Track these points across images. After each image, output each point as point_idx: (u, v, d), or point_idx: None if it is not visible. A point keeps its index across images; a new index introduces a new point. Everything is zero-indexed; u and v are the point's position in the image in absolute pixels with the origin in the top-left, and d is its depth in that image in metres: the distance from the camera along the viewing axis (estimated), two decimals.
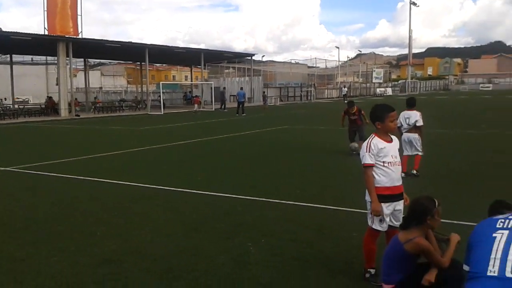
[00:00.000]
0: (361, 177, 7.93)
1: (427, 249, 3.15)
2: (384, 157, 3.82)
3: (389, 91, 74.62)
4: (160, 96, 37.46)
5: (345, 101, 46.74)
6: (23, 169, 10.21)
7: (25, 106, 34.50)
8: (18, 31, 29.05)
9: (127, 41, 36.22)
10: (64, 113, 30.65)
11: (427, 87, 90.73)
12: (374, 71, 79.85)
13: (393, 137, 4.02)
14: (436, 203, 3.28)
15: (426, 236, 3.26)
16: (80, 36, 33.33)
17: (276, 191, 7.51)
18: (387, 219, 3.85)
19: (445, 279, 3.16)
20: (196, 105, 34.39)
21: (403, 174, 8.30)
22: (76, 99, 34.38)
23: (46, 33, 31.04)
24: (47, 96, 37.49)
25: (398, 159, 3.94)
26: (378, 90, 73.68)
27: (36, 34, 30.39)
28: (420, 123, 8.37)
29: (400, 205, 3.91)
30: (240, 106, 30.64)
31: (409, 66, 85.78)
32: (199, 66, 49.96)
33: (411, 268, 3.30)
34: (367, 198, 3.93)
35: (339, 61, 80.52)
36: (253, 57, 52.65)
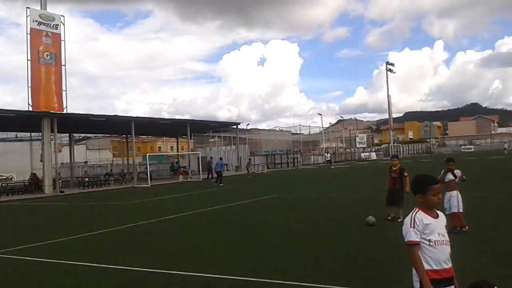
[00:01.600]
0: (386, 253, 7.56)
1: None
2: (430, 235, 3.35)
3: (373, 155, 75.50)
4: (146, 168, 36.96)
5: (331, 167, 47.11)
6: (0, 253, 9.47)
7: (8, 184, 33.56)
8: (1, 107, 28.95)
9: (112, 114, 36.31)
10: (48, 190, 29.76)
11: (409, 150, 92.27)
12: (357, 136, 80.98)
13: (439, 212, 3.54)
14: None
15: None
16: (64, 111, 33.29)
17: (294, 270, 6.85)
18: None
19: None
20: (181, 176, 33.97)
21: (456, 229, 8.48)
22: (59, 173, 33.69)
23: (30, 109, 30.90)
24: (31, 173, 36.68)
25: (446, 237, 3.43)
26: (362, 154, 74.46)
27: (20, 110, 30.24)
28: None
29: None
30: (217, 175, 30.69)
31: (390, 131, 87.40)
32: (184, 136, 50.07)
33: None
34: (416, 284, 3.37)
35: (322, 127, 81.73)
36: (238, 126, 53.10)
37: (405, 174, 10.75)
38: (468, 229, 8.92)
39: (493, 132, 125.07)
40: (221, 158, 34.97)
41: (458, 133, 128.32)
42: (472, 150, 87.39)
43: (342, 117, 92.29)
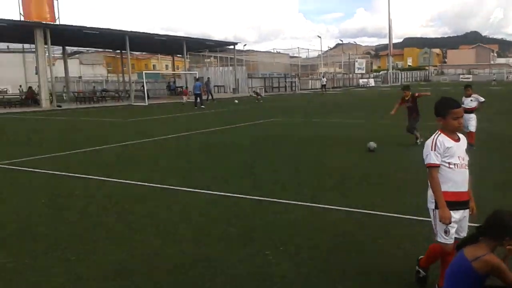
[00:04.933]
0: (377, 176, 7.76)
1: (500, 267, 2.70)
2: (450, 158, 3.36)
3: (372, 82, 74.89)
4: (143, 86, 36.53)
5: (323, 92, 46.87)
6: (7, 164, 9.62)
7: (5, 96, 33.30)
8: None
9: (106, 27, 35.01)
10: (45, 104, 29.64)
11: (408, 77, 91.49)
12: (357, 61, 79.80)
13: (461, 135, 3.51)
14: None
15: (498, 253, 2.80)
16: (57, 23, 32.16)
17: (284, 191, 7.10)
18: (453, 230, 3.40)
19: None
20: (184, 97, 33.76)
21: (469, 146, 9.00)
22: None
23: (22, 19, 29.79)
24: (28, 87, 36.21)
25: (466, 161, 3.46)
26: (361, 81, 73.82)
27: (12, 20, 29.16)
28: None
29: (466, 213, 3.47)
30: (198, 98, 29.39)
31: (389, 57, 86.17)
32: (179, 55, 48.98)
33: None
34: (430, 205, 3.47)
35: (321, 51, 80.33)
36: (235, 46, 51.95)
37: (416, 94, 11.36)
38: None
39: (492, 62, 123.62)
40: (197, 80, 33.27)
41: (457, 61, 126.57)
42: (471, 79, 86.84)
43: (342, 41, 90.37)
